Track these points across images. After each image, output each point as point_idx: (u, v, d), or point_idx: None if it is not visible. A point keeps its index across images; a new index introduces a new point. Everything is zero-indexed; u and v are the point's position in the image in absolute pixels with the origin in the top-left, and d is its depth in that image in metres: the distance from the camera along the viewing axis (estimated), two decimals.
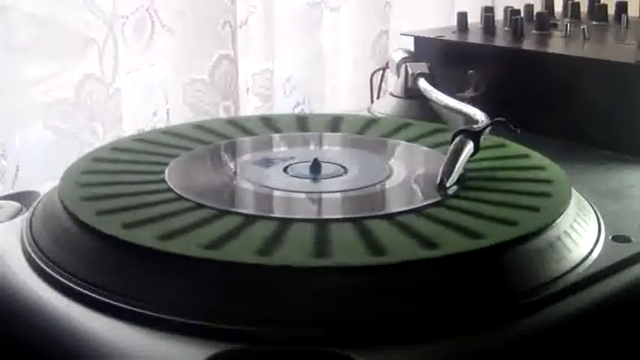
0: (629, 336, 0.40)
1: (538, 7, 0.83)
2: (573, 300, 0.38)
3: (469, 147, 0.48)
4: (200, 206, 0.43)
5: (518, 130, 0.52)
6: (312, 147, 0.56)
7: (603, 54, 0.66)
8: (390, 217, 0.42)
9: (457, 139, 0.49)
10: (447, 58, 0.73)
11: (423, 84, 0.67)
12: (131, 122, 0.81)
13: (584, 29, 0.71)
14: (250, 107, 0.93)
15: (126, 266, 0.38)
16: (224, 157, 0.53)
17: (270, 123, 0.58)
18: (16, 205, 0.49)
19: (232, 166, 0.51)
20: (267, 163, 0.51)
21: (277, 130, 0.57)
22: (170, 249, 0.38)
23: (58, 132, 0.74)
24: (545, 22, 0.75)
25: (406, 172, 0.49)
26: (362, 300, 0.36)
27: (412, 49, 0.75)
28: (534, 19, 0.76)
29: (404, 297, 0.36)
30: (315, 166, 0.49)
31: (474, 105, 0.59)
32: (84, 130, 0.75)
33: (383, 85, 0.81)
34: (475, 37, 0.73)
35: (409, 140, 0.55)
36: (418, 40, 0.75)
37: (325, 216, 0.45)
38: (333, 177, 0.48)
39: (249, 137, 0.56)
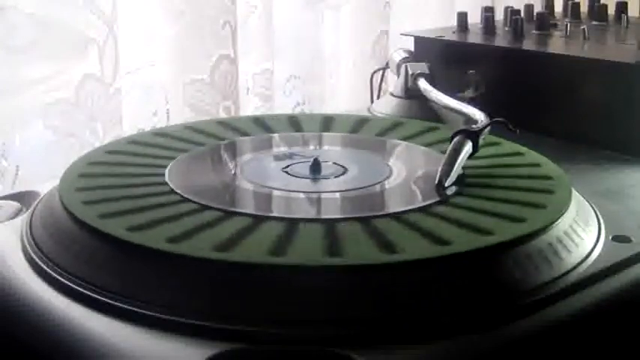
0: (629, 336, 0.40)
1: (538, 7, 0.83)
2: (573, 300, 0.38)
3: (468, 147, 0.48)
4: (202, 207, 0.43)
5: (518, 131, 0.52)
6: (311, 147, 0.56)
7: (603, 54, 0.66)
8: (389, 217, 0.42)
9: (456, 139, 0.49)
10: (447, 58, 0.73)
11: (423, 84, 0.67)
12: (131, 122, 0.81)
13: (584, 29, 0.71)
14: (250, 107, 0.93)
15: (126, 266, 0.38)
16: (222, 157, 0.53)
17: (261, 123, 0.58)
18: (16, 205, 0.49)
19: (232, 167, 0.51)
20: (267, 163, 0.51)
21: (269, 130, 0.57)
22: (171, 250, 0.38)
23: (58, 132, 0.74)
24: (545, 22, 0.75)
25: (406, 172, 0.49)
26: (362, 300, 0.36)
27: (412, 49, 0.75)
28: (534, 19, 0.76)
29: (403, 297, 0.36)
30: (315, 166, 0.49)
31: (474, 105, 0.59)
32: (84, 130, 0.75)
33: (383, 85, 0.81)
34: (475, 37, 0.73)
35: (403, 139, 0.56)
36: (418, 40, 0.75)
37: (325, 216, 0.45)
38: (334, 177, 0.48)
39: (247, 137, 0.56)
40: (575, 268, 0.40)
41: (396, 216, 0.42)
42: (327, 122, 0.59)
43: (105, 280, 0.38)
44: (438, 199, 0.44)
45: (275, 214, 0.43)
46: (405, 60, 0.72)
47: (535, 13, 0.77)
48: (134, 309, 0.36)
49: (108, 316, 0.36)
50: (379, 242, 0.39)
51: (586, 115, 0.63)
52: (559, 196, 0.45)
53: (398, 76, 0.71)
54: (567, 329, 0.37)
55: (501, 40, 0.72)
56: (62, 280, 0.39)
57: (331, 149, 0.55)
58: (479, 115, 0.55)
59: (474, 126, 0.51)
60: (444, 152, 0.48)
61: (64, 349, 0.35)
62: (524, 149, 0.53)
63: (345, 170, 0.49)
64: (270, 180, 0.48)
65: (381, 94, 0.80)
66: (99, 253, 0.39)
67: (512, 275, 0.38)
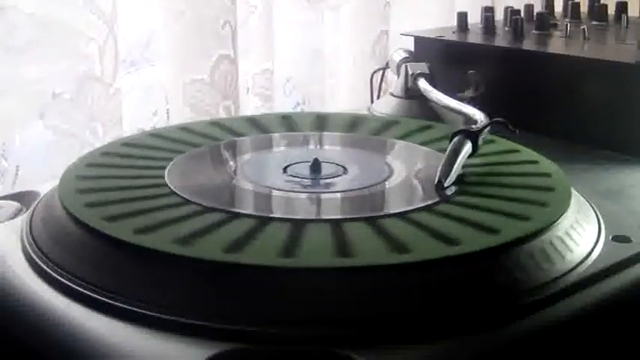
0: (629, 336, 0.40)
1: (538, 7, 0.83)
2: (573, 300, 0.38)
3: (467, 147, 0.49)
4: (204, 208, 0.43)
5: (517, 131, 0.52)
6: (310, 146, 0.56)
7: (603, 54, 0.66)
8: (391, 216, 0.42)
9: (455, 139, 0.49)
10: (447, 58, 0.73)
11: (423, 84, 0.67)
12: (131, 122, 0.81)
13: (584, 29, 0.71)
14: (250, 107, 0.93)
15: (125, 266, 0.38)
16: (221, 158, 0.53)
17: (254, 123, 0.58)
18: (16, 205, 0.49)
19: (232, 167, 0.51)
20: (266, 163, 0.51)
21: (262, 130, 0.57)
22: (172, 250, 0.38)
23: (58, 132, 0.74)
24: (545, 22, 0.75)
25: (406, 172, 0.49)
26: (362, 300, 0.36)
27: (412, 49, 0.75)
28: (534, 19, 0.76)
29: (404, 297, 0.36)
30: (315, 167, 0.49)
31: (474, 105, 0.59)
32: (84, 130, 0.75)
33: (383, 85, 0.81)
34: (475, 37, 0.73)
35: (397, 139, 0.56)
36: (418, 40, 0.75)
37: (325, 216, 0.45)
38: (334, 177, 0.48)
39: (246, 138, 0.56)
40: (575, 268, 0.40)
41: (397, 215, 0.42)
42: (320, 122, 0.59)
43: (105, 280, 0.38)
44: (432, 201, 0.44)
45: (277, 214, 0.43)
46: (405, 60, 0.72)
47: (535, 13, 0.77)
48: (134, 309, 0.36)
49: (108, 316, 0.36)
50: (380, 243, 0.39)
51: (586, 115, 0.63)
52: (559, 197, 0.45)
53: (398, 76, 0.71)
54: (567, 329, 0.37)
55: (501, 40, 0.72)
56: (62, 280, 0.39)
57: (331, 149, 0.55)
58: (479, 115, 0.55)
59: (473, 126, 0.51)
60: (440, 150, 0.48)
61: (64, 349, 0.35)
62: (532, 153, 0.53)
63: (344, 170, 0.49)
64: (270, 181, 0.48)
65: (381, 94, 0.80)
66: (99, 253, 0.39)
67: (512, 275, 0.38)
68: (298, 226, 0.41)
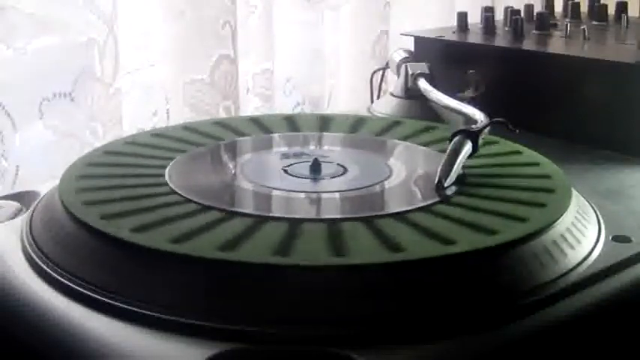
0: (629, 336, 0.40)
1: (538, 7, 0.83)
2: (573, 300, 0.38)
3: (467, 147, 0.49)
4: (204, 207, 0.43)
5: (517, 130, 0.52)
6: (311, 146, 0.56)
7: (603, 54, 0.66)
8: (390, 216, 0.42)
9: (456, 139, 0.49)
10: (447, 58, 0.73)
11: (423, 84, 0.67)
12: (131, 122, 0.81)
13: (584, 29, 0.71)
14: (250, 107, 0.93)
15: (126, 266, 0.38)
16: (220, 158, 0.53)
17: (226, 126, 0.58)
18: (16, 205, 0.49)
19: (232, 167, 0.51)
20: (266, 163, 0.51)
21: (242, 133, 0.57)
22: (171, 249, 0.38)
23: (58, 132, 0.74)
24: (545, 22, 0.75)
25: (406, 172, 0.49)
26: (362, 299, 0.36)
27: (412, 49, 0.75)
28: (534, 19, 0.76)
29: (404, 297, 0.36)
30: (315, 166, 0.49)
31: (474, 105, 0.59)
32: (84, 130, 0.75)
33: (383, 85, 0.81)
34: (475, 37, 0.73)
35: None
36: (418, 40, 0.75)
37: (325, 216, 0.45)
38: (335, 177, 0.48)
39: (246, 138, 0.56)
40: (575, 268, 0.40)
41: (396, 215, 0.42)
42: (292, 123, 0.59)
43: (105, 280, 0.38)
44: (437, 199, 0.44)
45: (276, 214, 0.43)
46: (405, 60, 0.72)
47: (535, 13, 0.77)
48: (134, 309, 0.36)
49: (108, 316, 0.36)
50: (379, 242, 0.39)
51: (586, 115, 0.62)
52: (559, 196, 0.45)
53: (398, 76, 0.71)
54: (567, 329, 0.37)
55: (501, 40, 0.72)
56: (62, 280, 0.39)
57: (331, 149, 0.55)
58: (479, 115, 0.55)
59: (473, 126, 0.51)
60: (421, 144, 0.48)
61: (64, 349, 0.35)
62: (524, 149, 0.53)
63: (344, 170, 0.49)
64: (270, 180, 0.48)
65: (381, 94, 0.80)
66: (99, 253, 0.39)
67: (512, 275, 0.38)
68: (297, 225, 0.41)
